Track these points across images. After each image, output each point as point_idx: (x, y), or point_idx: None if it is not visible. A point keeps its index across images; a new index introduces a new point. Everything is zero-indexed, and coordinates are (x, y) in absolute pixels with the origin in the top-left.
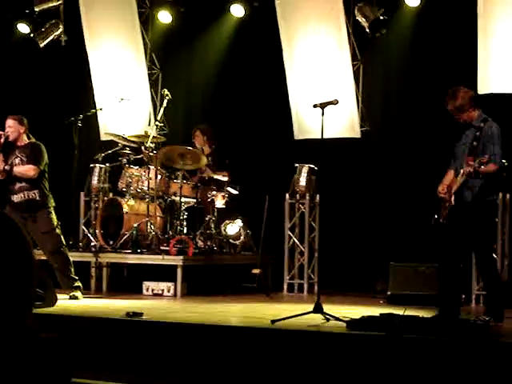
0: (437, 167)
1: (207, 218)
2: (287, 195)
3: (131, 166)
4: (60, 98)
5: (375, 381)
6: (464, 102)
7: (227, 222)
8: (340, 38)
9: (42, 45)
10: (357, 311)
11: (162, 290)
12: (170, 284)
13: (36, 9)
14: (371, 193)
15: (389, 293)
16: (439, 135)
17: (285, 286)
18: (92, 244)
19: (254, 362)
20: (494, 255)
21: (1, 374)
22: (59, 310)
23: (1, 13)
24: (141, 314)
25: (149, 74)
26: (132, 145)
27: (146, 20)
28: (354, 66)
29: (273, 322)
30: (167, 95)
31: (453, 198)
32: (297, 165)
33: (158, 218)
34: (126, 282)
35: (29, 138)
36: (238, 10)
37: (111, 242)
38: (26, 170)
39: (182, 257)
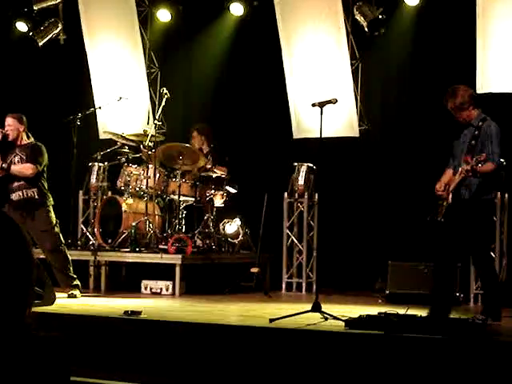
0: (435, 166)
1: (206, 217)
2: (286, 194)
3: (130, 164)
4: (59, 97)
5: (374, 380)
6: (464, 101)
7: (226, 220)
8: (339, 37)
9: (40, 43)
10: (355, 310)
11: (161, 289)
12: (168, 283)
13: (35, 7)
14: (370, 192)
15: (387, 292)
16: (438, 134)
17: (283, 285)
18: (90, 242)
19: (253, 360)
20: (491, 254)
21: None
22: (58, 309)
23: (0, 11)
24: (139, 313)
25: (148, 73)
26: (131, 143)
27: (145, 19)
28: (352, 65)
29: (271, 320)
30: (166, 94)
31: (450, 196)
32: (295, 164)
33: (157, 217)
34: (125, 280)
35: (28, 137)
36: (237, 9)
37: (110, 241)
38: (24, 168)
39: (180, 255)
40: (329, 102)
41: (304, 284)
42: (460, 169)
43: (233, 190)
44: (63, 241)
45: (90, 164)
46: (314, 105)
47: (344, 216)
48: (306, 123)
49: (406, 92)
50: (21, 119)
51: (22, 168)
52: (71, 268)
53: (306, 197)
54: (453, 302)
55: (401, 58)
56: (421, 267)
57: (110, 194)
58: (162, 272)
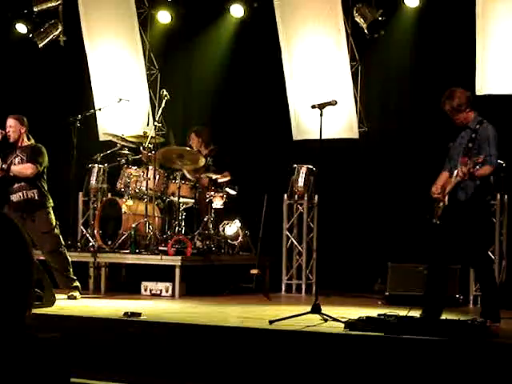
0: (435, 168)
1: (205, 219)
2: (285, 196)
3: (130, 166)
4: (59, 99)
5: (373, 381)
6: (461, 102)
7: (225, 222)
8: (338, 38)
9: (40, 45)
10: (355, 312)
11: (161, 291)
12: (168, 284)
13: (35, 9)
14: (369, 193)
15: (387, 293)
16: (437, 136)
17: (283, 287)
18: (90, 244)
19: (252, 362)
20: (490, 255)
21: (0, 374)
22: (58, 310)
23: (0, 13)
24: (139, 314)
25: (147, 75)
26: (130, 145)
27: (145, 20)
28: (352, 66)
29: (271, 322)
30: (166, 96)
31: (446, 198)
32: (295, 165)
33: (157, 219)
34: (125, 282)
35: (29, 138)
36: (237, 11)
37: (109, 242)
38: (24, 168)
39: (180, 257)
40: (328, 103)
41: (304, 285)
42: (456, 171)
43: (233, 192)
44: (63, 242)
45: (90, 166)
46: (313, 106)
47: (344, 218)
48: (305, 125)
49: (405, 94)
50: (22, 120)
51: (21, 168)
52: (71, 269)
53: (305, 198)
54: (444, 304)
55: (400, 60)
56: (420, 269)
57: (109, 195)
58: (162, 273)
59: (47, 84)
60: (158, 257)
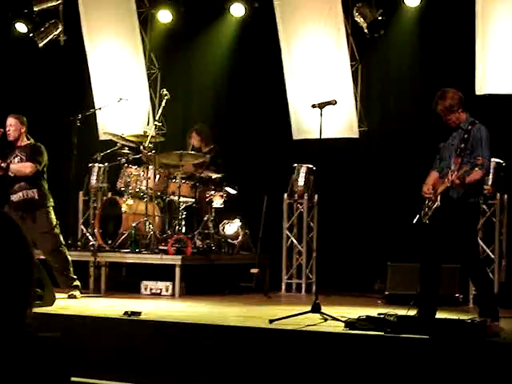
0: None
1: (205, 218)
2: (285, 195)
3: (130, 165)
4: (59, 98)
5: (373, 380)
6: (453, 103)
7: (225, 221)
8: (338, 38)
9: (41, 44)
10: (354, 311)
11: (161, 290)
12: (168, 283)
13: (35, 8)
14: (369, 193)
15: (387, 293)
16: (437, 135)
17: (283, 286)
18: (90, 243)
19: (252, 361)
20: (480, 256)
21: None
22: (58, 310)
23: (0, 12)
24: (139, 314)
25: (148, 74)
26: (131, 144)
27: (145, 20)
28: (352, 66)
29: (271, 321)
30: (166, 95)
31: (439, 198)
32: (295, 165)
33: (157, 218)
34: (125, 281)
35: (28, 138)
36: (237, 10)
37: (110, 242)
38: (23, 166)
39: (180, 256)
40: (328, 103)
41: (303, 285)
42: (448, 177)
43: (233, 191)
44: (63, 242)
45: (90, 165)
46: (313, 106)
47: (343, 217)
48: (305, 124)
49: (405, 93)
50: (22, 120)
51: (20, 166)
52: (71, 269)
53: (305, 198)
54: (438, 303)
55: (400, 60)
56: None
57: (110, 194)
58: (162, 273)
59: (47, 83)
60: (158, 256)
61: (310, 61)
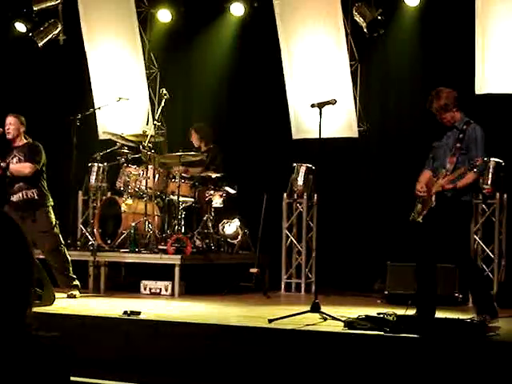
0: None
1: (205, 218)
2: (285, 195)
3: (129, 165)
4: (58, 98)
5: (372, 380)
6: (448, 102)
7: (225, 221)
8: (338, 37)
9: (40, 44)
10: (354, 311)
11: (160, 289)
12: (167, 283)
13: (34, 8)
14: (369, 192)
15: (386, 292)
16: (437, 135)
17: (282, 286)
18: (90, 243)
19: (252, 361)
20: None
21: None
22: (57, 309)
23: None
24: (138, 313)
25: (147, 74)
26: (130, 144)
27: (145, 19)
28: (351, 65)
29: (270, 321)
30: (165, 94)
31: (433, 198)
32: (295, 164)
33: (156, 217)
34: (124, 281)
35: (25, 138)
36: (237, 9)
37: (109, 241)
38: (23, 167)
39: (179, 256)
40: (328, 102)
41: (303, 284)
42: (440, 181)
43: (232, 191)
44: (63, 241)
45: (90, 164)
46: (313, 105)
47: (343, 217)
48: (305, 124)
49: (404, 93)
50: (21, 120)
51: (20, 167)
52: (71, 268)
53: (305, 197)
54: (437, 302)
55: (400, 59)
56: None
57: (109, 194)
58: (162, 272)
59: (47, 83)
60: (158, 256)
61: (309, 60)
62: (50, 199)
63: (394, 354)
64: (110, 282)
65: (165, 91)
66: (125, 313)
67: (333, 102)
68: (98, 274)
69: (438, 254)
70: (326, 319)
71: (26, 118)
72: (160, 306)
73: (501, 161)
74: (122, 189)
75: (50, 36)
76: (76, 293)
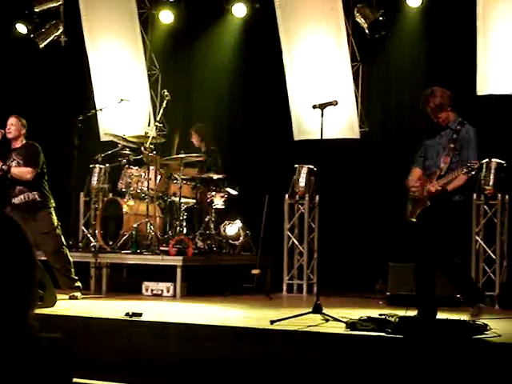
0: None
1: (207, 219)
2: (286, 196)
3: (131, 166)
4: (60, 99)
5: (374, 381)
6: (444, 101)
7: (227, 222)
8: (339, 38)
9: (42, 45)
10: (356, 312)
11: (162, 291)
12: (169, 284)
13: (36, 9)
14: (370, 193)
15: (388, 293)
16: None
17: (284, 287)
18: (92, 244)
19: (254, 362)
20: (456, 260)
21: (1, 374)
22: (59, 310)
23: (1, 13)
24: (140, 315)
25: (148, 75)
26: (132, 145)
27: (146, 21)
28: (353, 66)
29: (272, 322)
30: (167, 96)
31: (427, 197)
32: (296, 165)
33: (158, 219)
34: (126, 282)
35: (25, 140)
36: (238, 10)
37: (111, 243)
38: (23, 172)
39: (181, 257)
40: (329, 103)
41: (305, 286)
42: (430, 187)
43: (234, 192)
44: (65, 242)
45: (91, 166)
46: (314, 106)
47: (345, 218)
48: (306, 125)
49: (406, 94)
50: (23, 122)
51: (20, 172)
52: (72, 270)
53: (306, 198)
54: (437, 303)
55: (401, 60)
56: None
57: (111, 195)
58: (163, 274)
59: (48, 85)
60: (160, 257)
61: (310, 61)
62: (52, 200)
63: (396, 355)
64: (111, 284)
65: (166, 92)
66: (126, 314)
67: (334, 103)
68: (99, 275)
69: (436, 253)
70: (327, 320)
71: (28, 120)
72: (162, 307)
73: (502, 162)
74: (123, 190)
75: (51, 37)
76: (78, 294)
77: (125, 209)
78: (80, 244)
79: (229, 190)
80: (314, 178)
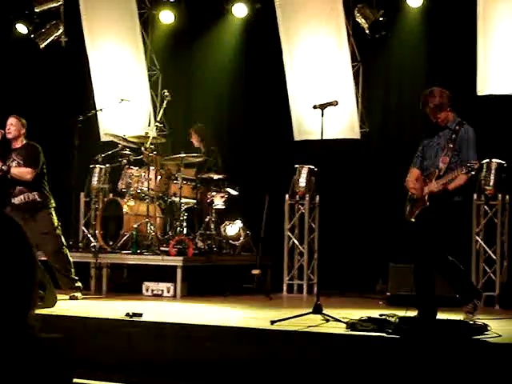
0: None
1: (207, 219)
2: (287, 196)
3: (131, 166)
4: (60, 99)
5: (374, 381)
6: (443, 101)
7: (227, 222)
8: (340, 39)
9: (42, 45)
10: (356, 312)
11: (162, 291)
12: (169, 284)
13: (36, 9)
14: (371, 193)
15: (388, 294)
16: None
17: (284, 287)
18: (92, 244)
19: (254, 362)
20: (450, 258)
21: (1, 374)
22: (59, 311)
23: (1, 13)
24: (140, 315)
25: (149, 75)
26: (132, 145)
27: (146, 21)
28: (353, 67)
29: (272, 322)
30: (167, 96)
31: (426, 197)
32: (296, 166)
33: (158, 219)
34: (126, 282)
35: (25, 140)
36: (239, 10)
37: (111, 243)
38: (23, 172)
39: (181, 257)
40: (330, 104)
41: (305, 286)
42: (431, 185)
43: (234, 192)
44: (65, 243)
45: (92, 166)
46: (315, 107)
47: (345, 218)
48: (307, 125)
49: (406, 94)
50: (23, 122)
51: (20, 173)
52: (73, 270)
53: (307, 199)
54: (437, 303)
55: (402, 60)
56: None
57: (111, 195)
58: (164, 274)
59: (48, 85)
60: (160, 257)
61: (311, 61)
62: (52, 201)
63: (396, 355)
64: (112, 284)
65: (166, 92)
66: (127, 314)
67: (334, 104)
68: (99, 275)
69: (436, 253)
70: (328, 321)
71: (28, 120)
72: (162, 307)
73: (503, 162)
74: (123, 190)
75: (51, 37)
76: (78, 294)
77: (125, 209)
78: (80, 244)
79: (229, 190)
80: (315, 178)
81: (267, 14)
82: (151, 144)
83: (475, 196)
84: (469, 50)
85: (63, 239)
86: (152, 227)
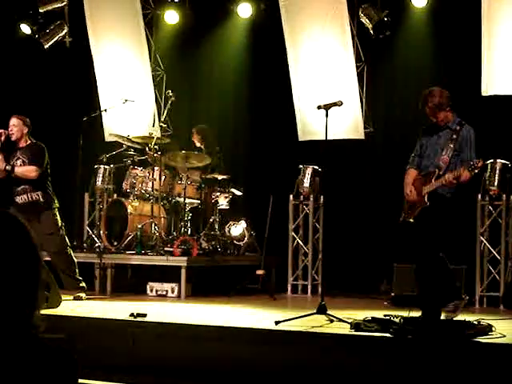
0: None
1: (211, 219)
2: (291, 196)
3: (135, 167)
4: (65, 100)
5: (378, 382)
6: (443, 101)
7: (231, 223)
8: (344, 39)
9: (46, 46)
10: (360, 312)
11: (166, 291)
12: (174, 285)
13: (40, 10)
14: (375, 194)
15: (393, 294)
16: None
17: (289, 287)
18: (96, 245)
19: (258, 362)
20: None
21: (6, 374)
22: (63, 311)
23: (5, 13)
24: (145, 315)
25: (153, 76)
26: (136, 146)
27: (151, 21)
28: (358, 67)
29: (276, 323)
30: (171, 96)
31: (426, 197)
32: (301, 166)
33: (162, 219)
34: (131, 282)
35: (29, 139)
36: (243, 10)
37: (115, 243)
38: (28, 170)
39: (186, 258)
40: (334, 104)
41: (309, 286)
42: (445, 177)
43: (238, 193)
44: (69, 243)
45: (96, 166)
46: (319, 107)
47: (349, 218)
48: (311, 125)
49: (411, 94)
50: (26, 122)
51: (25, 171)
52: (77, 270)
53: (311, 199)
54: (441, 304)
55: (406, 61)
56: None
57: (115, 196)
58: (168, 274)
59: (53, 85)
60: (164, 257)
61: (315, 62)
62: (56, 201)
63: (401, 355)
64: (116, 284)
65: (171, 93)
66: (131, 315)
67: (339, 104)
68: (104, 275)
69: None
70: (332, 321)
71: (32, 121)
72: (166, 307)
73: (507, 162)
74: (128, 191)
75: (55, 38)
76: (82, 295)
77: (129, 209)
78: (84, 244)
79: (233, 190)
80: (319, 178)
81: (272, 14)
82: (155, 144)
83: (479, 196)
84: (473, 50)
85: (67, 240)
86: (156, 227)
